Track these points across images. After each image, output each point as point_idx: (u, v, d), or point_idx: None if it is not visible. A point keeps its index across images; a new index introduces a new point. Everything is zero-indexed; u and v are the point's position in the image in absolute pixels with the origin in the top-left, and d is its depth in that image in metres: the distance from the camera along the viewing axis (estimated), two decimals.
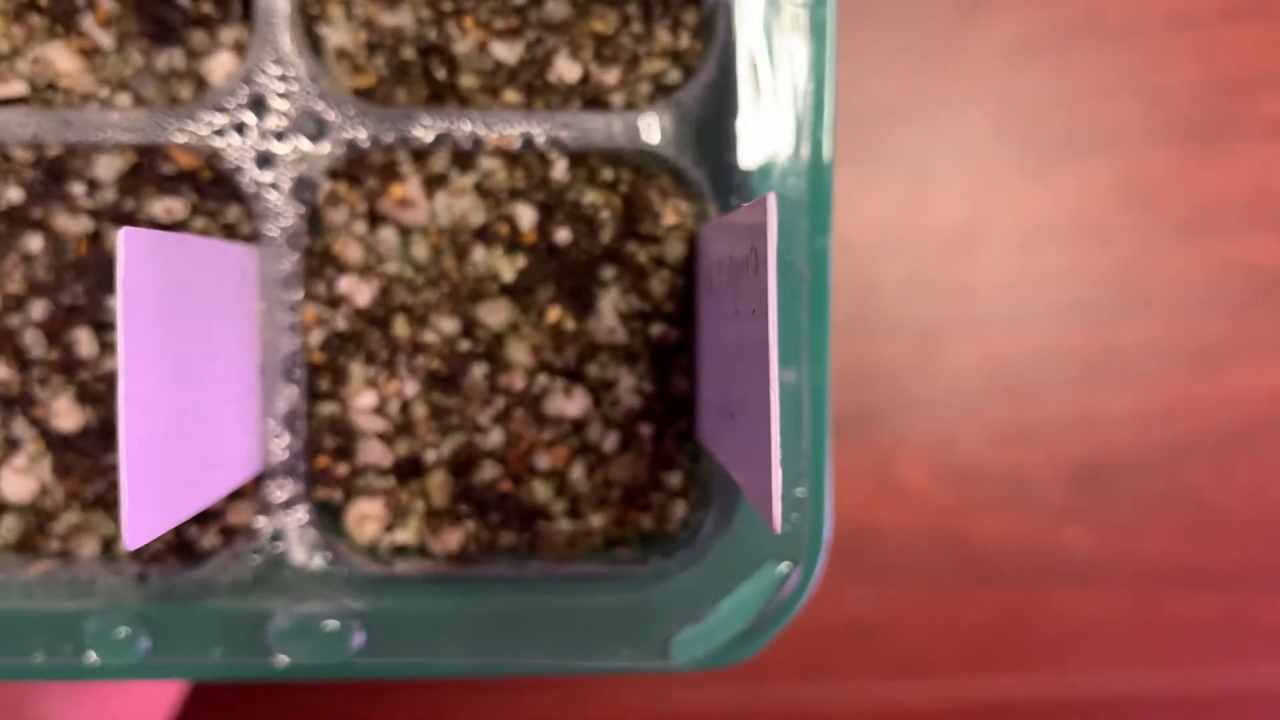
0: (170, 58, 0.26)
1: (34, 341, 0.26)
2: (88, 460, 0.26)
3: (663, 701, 0.51)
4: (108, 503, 0.26)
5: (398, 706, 0.51)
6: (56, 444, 0.26)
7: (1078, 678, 0.52)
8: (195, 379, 0.21)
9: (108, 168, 0.26)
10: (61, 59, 0.26)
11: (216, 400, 0.23)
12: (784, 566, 0.25)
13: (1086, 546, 0.51)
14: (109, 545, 0.26)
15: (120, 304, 0.18)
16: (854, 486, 0.51)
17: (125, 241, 0.18)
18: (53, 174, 0.26)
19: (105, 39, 0.26)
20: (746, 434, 0.19)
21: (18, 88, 0.26)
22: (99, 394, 0.26)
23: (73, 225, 0.26)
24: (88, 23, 0.26)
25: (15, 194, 0.26)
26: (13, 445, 0.26)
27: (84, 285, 0.26)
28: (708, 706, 0.52)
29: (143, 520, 0.18)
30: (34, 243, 0.26)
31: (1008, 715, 0.52)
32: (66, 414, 0.26)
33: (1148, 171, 0.50)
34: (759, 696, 0.52)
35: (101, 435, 0.26)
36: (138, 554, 0.26)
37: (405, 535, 0.26)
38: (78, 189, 0.26)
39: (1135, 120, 0.50)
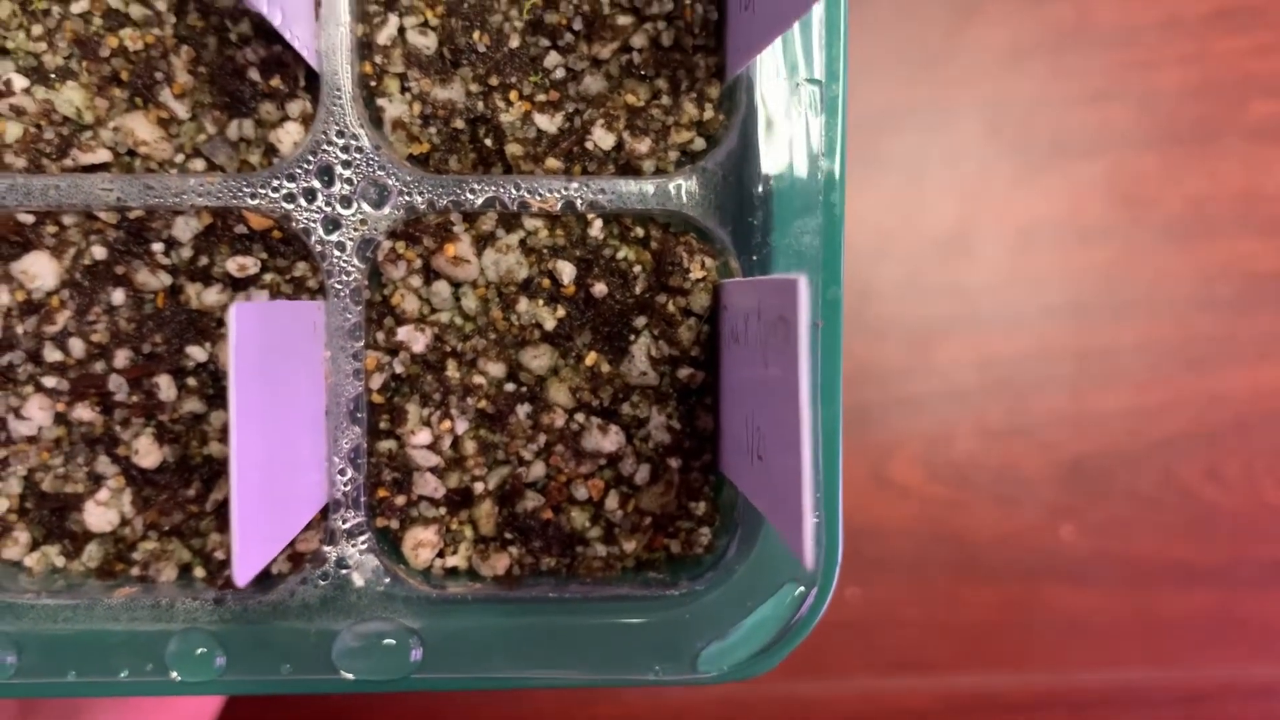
0: (241, 127, 0.28)
1: (117, 386, 0.28)
2: (166, 494, 0.29)
3: (663, 697, 0.53)
4: (183, 532, 0.29)
5: (407, 703, 0.52)
6: (137, 479, 0.29)
7: (1071, 672, 0.54)
8: (281, 425, 0.24)
9: (185, 228, 0.28)
10: (141, 128, 0.28)
11: (295, 441, 0.25)
12: (801, 588, 0.28)
13: (1079, 543, 0.52)
14: (185, 571, 0.29)
15: (231, 368, 0.20)
16: (851, 485, 0.52)
17: (237, 315, 0.20)
18: (134, 234, 0.28)
19: (181, 110, 0.28)
20: (776, 479, 0.21)
21: (102, 155, 0.28)
22: (177, 434, 0.29)
23: (152, 280, 0.28)
24: (165, 95, 0.28)
25: (100, 251, 0.28)
26: (96, 480, 0.29)
27: (163, 335, 0.28)
28: (707, 702, 0.54)
29: (249, 557, 0.21)
30: (117, 296, 0.28)
31: (1001, 710, 0.54)
32: (146, 452, 0.28)
33: (1138, 174, 0.52)
34: (756, 691, 0.54)
35: (179, 471, 0.29)
36: (213, 578, 0.29)
37: (456, 560, 0.29)
38: (157, 247, 0.28)
39: (1126, 124, 0.52)
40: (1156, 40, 0.52)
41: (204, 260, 0.28)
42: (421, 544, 0.29)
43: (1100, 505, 0.53)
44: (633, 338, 0.29)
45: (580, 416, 0.29)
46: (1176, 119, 0.52)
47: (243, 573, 0.20)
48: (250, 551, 0.20)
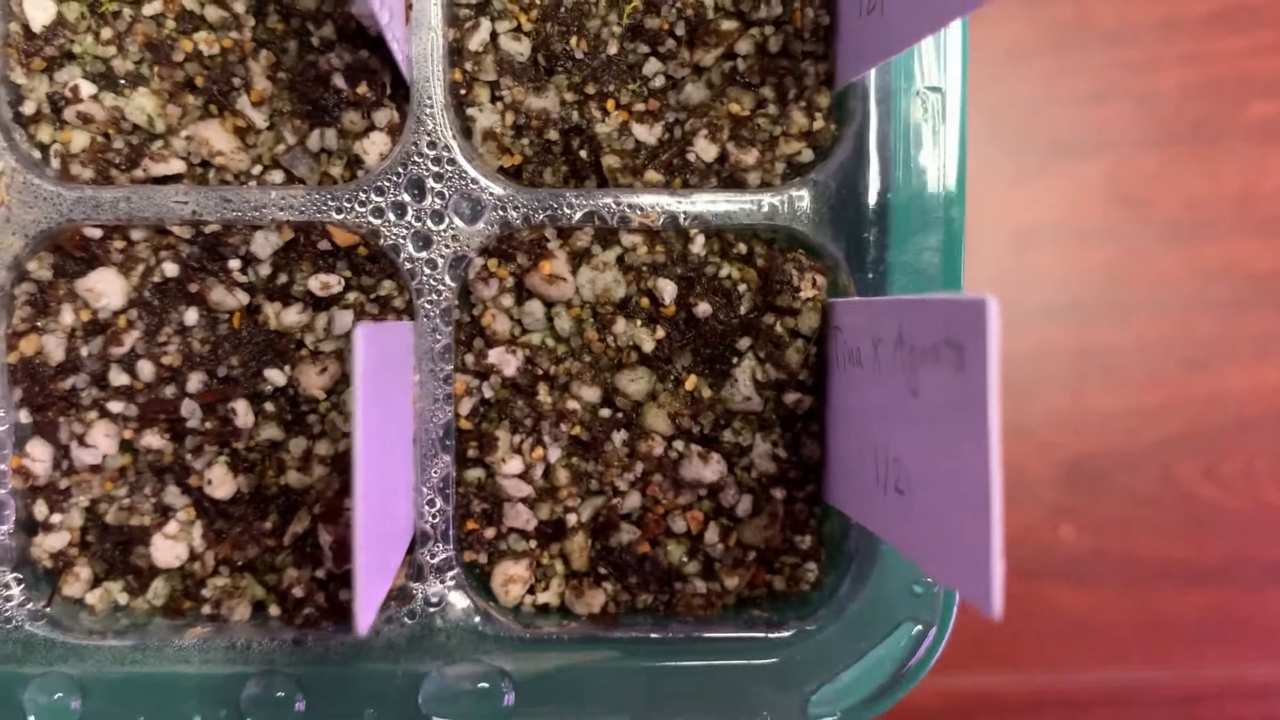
0: (323, 137, 0.27)
1: (190, 412, 0.27)
2: (240, 526, 0.27)
3: None
4: (257, 568, 0.27)
5: None
6: (209, 511, 0.27)
7: (1070, 672, 0.53)
8: (387, 455, 0.22)
9: (264, 244, 0.26)
10: (216, 137, 0.26)
11: (394, 473, 0.24)
12: (919, 627, 0.26)
13: (1078, 543, 0.52)
14: (259, 609, 0.27)
15: (358, 392, 0.19)
16: None
17: (362, 336, 0.19)
18: (208, 249, 0.27)
19: (259, 118, 0.27)
20: (933, 517, 0.20)
21: (175, 165, 0.26)
22: (252, 462, 0.27)
23: (228, 299, 0.27)
24: (242, 102, 0.27)
25: (171, 268, 0.27)
26: (164, 512, 0.27)
27: (239, 357, 0.27)
28: None
29: (371, 600, 0.19)
30: (189, 316, 0.27)
31: (1001, 710, 0.53)
32: (220, 482, 0.27)
33: (1138, 174, 0.51)
34: None
35: (253, 502, 0.27)
36: (289, 617, 0.27)
37: (548, 596, 0.27)
38: (233, 264, 0.27)
39: (1126, 124, 0.51)
40: (1156, 41, 0.51)
41: (283, 278, 0.27)
42: (512, 579, 0.27)
43: (1099, 505, 0.52)
44: (736, 360, 0.27)
45: (679, 444, 0.27)
46: (1176, 119, 0.51)
47: (365, 619, 0.18)
48: (372, 594, 0.19)
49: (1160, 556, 0.52)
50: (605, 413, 0.27)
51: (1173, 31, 0.51)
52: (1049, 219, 0.51)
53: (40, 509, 0.27)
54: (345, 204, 0.26)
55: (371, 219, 0.26)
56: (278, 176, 0.27)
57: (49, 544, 0.27)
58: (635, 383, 0.27)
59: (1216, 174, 0.51)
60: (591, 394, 0.27)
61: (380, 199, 0.26)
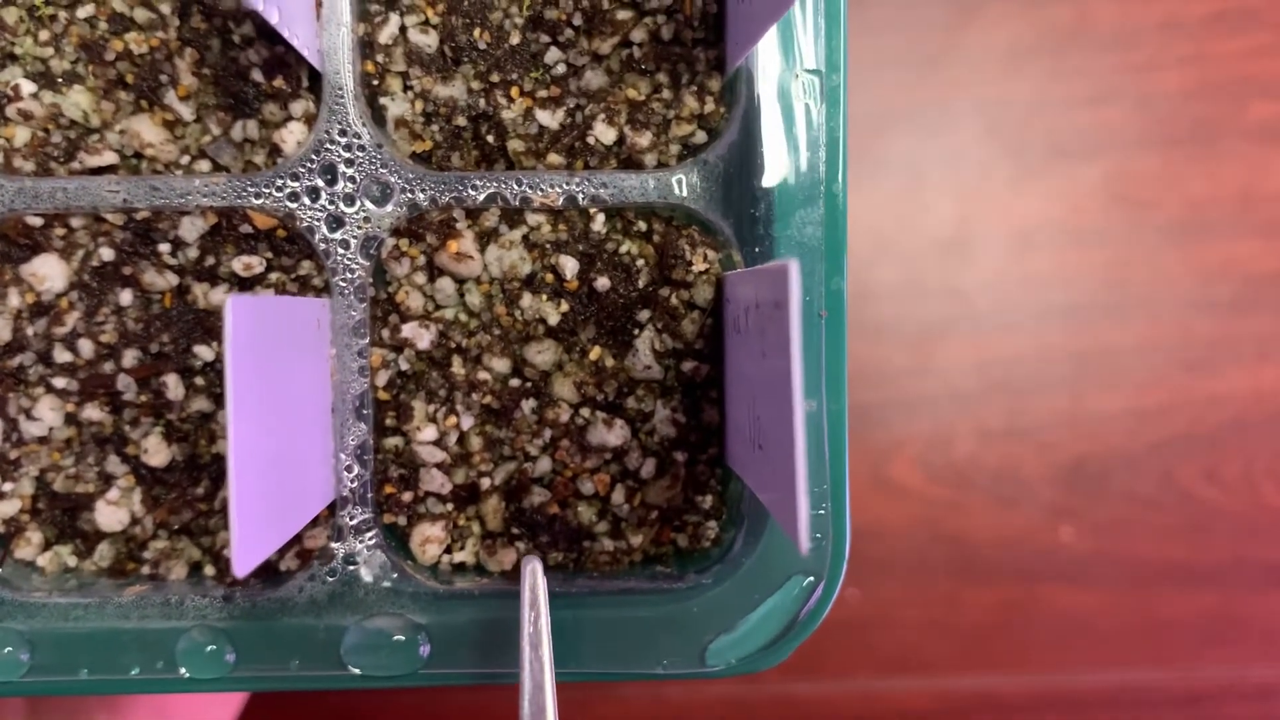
0: (245, 128, 0.28)
1: (126, 386, 0.29)
2: (175, 493, 0.29)
3: (661, 698, 0.53)
4: (193, 531, 0.29)
5: (399, 703, 0.53)
6: (146, 478, 0.29)
7: (1070, 673, 0.53)
8: (284, 420, 0.24)
9: (191, 229, 0.28)
10: (147, 130, 0.28)
11: (299, 437, 0.26)
12: (809, 579, 0.28)
13: (1078, 544, 0.52)
14: (196, 569, 0.29)
15: (228, 359, 0.20)
16: (851, 485, 0.53)
17: (232, 307, 0.20)
18: (141, 235, 0.29)
19: (186, 112, 0.29)
20: (773, 464, 0.21)
21: (109, 157, 0.28)
22: (185, 433, 0.29)
23: (159, 280, 0.28)
24: (170, 97, 0.28)
25: (107, 253, 0.28)
26: (106, 480, 0.29)
27: (170, 335, 0.29)
28: (705, 702, 0.54)
29: (248, 550, 0.21)
30: (124, 297, 0.29)
31: (1000, 711, 0.54)
32: (156, 451, 0.29)
33: (1138, 175, 0.52)
34: (755, 692, 0.54)
35: (188, 470, 0.29)
36: (222, 576, 0.29)
37: (464, 555, 0.29)
38: (164, 248, 0.29)
39: (1125, 125, 0.52)
40: (1155, 42, 0.52)
41: (210, 260, 0.29)
42: (429, 540, 0.29)
43: (1099, 506, 0.53)
44: (636, 331, 0.29)
45: (585, 411, 0.29)
46: (1175, 120, 0.52)
47: (241, 564, 0.20)
48: (249, 541, 0.21)
49: (1160, 558, 0.53)
50: (515, 382, 0.29)
51: (1172, 33, 0.52)
52: (1048, 220, 0.52)
53: None
54: (264, 189, 0.28)
55: (288, 203, 0.28)
56: (205, 166, 0.29)
57: (2, 511, 0.29)
58: (542, 354, 0.29)
59: (1216, 175, 0.52)
60: (502, 365, 0.29)
61: (295, 184, 0.28)
